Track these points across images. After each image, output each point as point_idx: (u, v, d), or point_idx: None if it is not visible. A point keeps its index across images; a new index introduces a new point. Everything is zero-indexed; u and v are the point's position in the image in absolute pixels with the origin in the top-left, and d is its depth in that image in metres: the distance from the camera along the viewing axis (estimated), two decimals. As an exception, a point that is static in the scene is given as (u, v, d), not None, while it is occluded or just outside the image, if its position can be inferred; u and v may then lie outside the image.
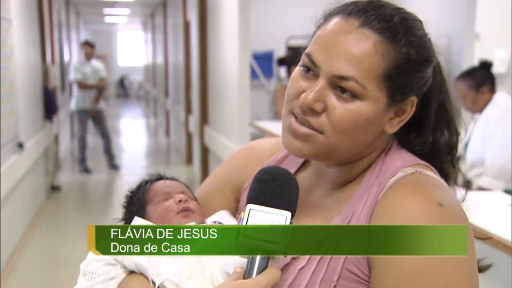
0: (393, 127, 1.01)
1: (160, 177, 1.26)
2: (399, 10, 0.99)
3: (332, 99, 0.96)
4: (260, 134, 5.80)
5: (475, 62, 6.08)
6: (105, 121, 8.94)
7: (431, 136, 1.05)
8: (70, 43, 12.18)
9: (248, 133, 5.43)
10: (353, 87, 0.94)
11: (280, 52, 7.73)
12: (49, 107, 7.14)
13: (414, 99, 1.00)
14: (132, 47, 24.36)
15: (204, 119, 7.32)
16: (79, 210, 6.77)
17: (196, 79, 7.67)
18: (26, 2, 6.21)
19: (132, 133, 14.00)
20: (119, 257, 1.09)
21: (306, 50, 1.00)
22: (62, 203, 7.19)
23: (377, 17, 0.96)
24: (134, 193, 1.24)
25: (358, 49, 0.94)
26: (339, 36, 0.96)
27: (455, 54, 5.72)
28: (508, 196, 3.03)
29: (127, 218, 1.21)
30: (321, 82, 0.96)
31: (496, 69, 7.16)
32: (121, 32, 24.71)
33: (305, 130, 0.98)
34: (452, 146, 1.06)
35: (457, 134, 1.07)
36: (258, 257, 0.89)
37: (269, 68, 7.81)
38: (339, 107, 0.96)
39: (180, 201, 1.17)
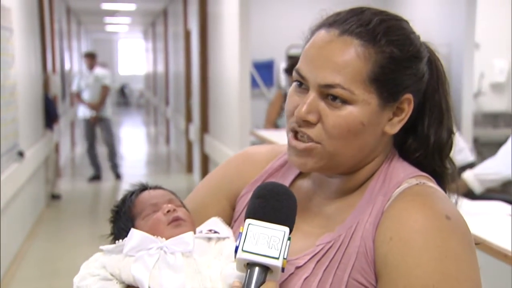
0: (393, 128, 1.01)
1: (144, 187, 1.22)
2: (379, 13, 1.01)
3: (324, 108, 0.98)
4: (260, 142, 5.81)
5: (475, 71, 6.10)
6: (108, 129, 8.85)
7: (426, 136, 1.05)
8: (71, 52, 12.21)
9: (248, 142, 5.43)
10: (340, 94, 0.96)
11: (280, 61, 7.74)
12: (50, 116, 7.15)
13: (409, 96, 1.00)
14: (133, 56, 24.41)
15: (204, 127, 7.33)
16: (79, 218, 6.77)
17: (197, 88, 7.68)
18: (28, 11, 6.23)
19: (133, 141, 14.00)
20: (116, 271, 1.07)
21: (296, 66, 1.03)
22: (62, 212, 7.18)
23: (356, 23, 0.98)
24: (119, 207, 1.20)
25: (340, 56, 0.96)
26: (322, 47, 0.99)
27: (455, 63, 5.73)
28: (508, 206, 3.03)
29: (116, 234, 1.18)
30: (312, 94, 0.99)
31: (495, 78, 7.19)
32: (122, 41, 24.77)
33: (303, 145, 1.00)
34: (446, 146, 1.06)
35: (452, 133, 1.07)
36: (256, 272, 0.89)
37: (269, 77, 7.81)
38: (331, 115, 0.97)
39: (168, 211, 1.13)
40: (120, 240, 1.11)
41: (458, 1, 5.73)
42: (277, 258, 0.89)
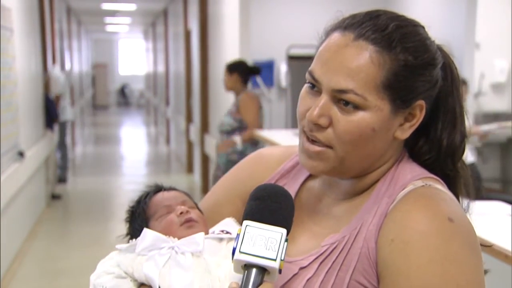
0: (404, 133, 1.01)
1: (159, 189, 1.24)
2: (396, 18, 0.99)
3: (336, 113, 0.97)
4: (260, 143, 5.80)
5: (475, 71, 6.10)
6: (60, 133, 8.23)
7: (438, 140, 1.05)
8: (71, 52, 12.22)
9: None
10: (353, 99, 0.96)
11: (280, 61, 7.74)
12: (50, 116, 7.15)
13: (421, 103, 0.99)
14: (133, 56, 24.42)
15: (204, 127, 7.33)
16: (79, 218, 6.77)
17: (197, 88, 7.69)
18: (28, 11, 6.23)
19: (133, 141, 14.01)
20: (129, 270, 1.09)
21: (309, 68, 1.02)
22: (62, 212, 7.19)
23: (372, 28, 0.97)
24: (134, 208, 1.23)
25: (354, 61, 0.96)
26: (336, 50, 0.98)
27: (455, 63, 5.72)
28: (508, 206, 3.03)
29: (131, 234, 1.20)
30: (324, 98, 0.98)
31: (496, 78, 7.20)
32: (122, 41, 24.78)
33: (316, 148, 1.00)
34: (459, 149, 1.06)
35: (465, 137, 1.07)
36: (253, 273, 0.90)
37: (269, 77, 7.82)
38: (343, 120, 0.97)
39: (181, 213, 1.16)
40: (134, 240, 1.14)
41: (458, 1, 5.73)
42: (274, 260, 0.89)
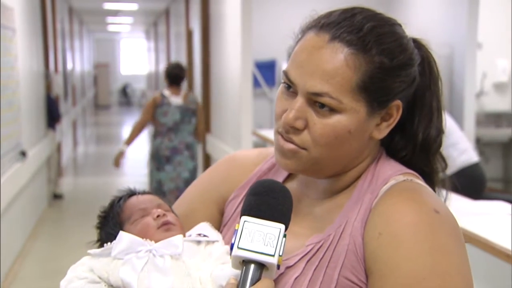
0: (381, 133, 1.01)
1: (132, 193, 1.22)
2: (372, 18, 0.98)
3: (312, 116, 0.97)
4: (262, 142, 5.82)
5: (477, 71, 6.09)
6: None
7: (414, 134, 1.05)
8: (73, 52, 12.23)
9: (250, 142, 5.44)
10: (328, 102, 0.95)
11: (282, 60, 7.74)
12: (52, 116, 7.16)
13: (398, 103, 0.99)
14: (135, 56, 24.44)
15: (206, 127, 7.33)
16: (81, 218, 6.77)
17: (199, 87, 7.69)
18: (30, 11, 6.24)
19: (134, 141, 14.00)
20: (104, 274, 1.06)
21: (284, 68, 1.02)
22: (64, 211, 7.19)
23: (347, 29, 0.96)
24: (107, 213, 1.20)
25: (330, 64, 0.95)
26: (311, 52, 0.97)
27: (457, 63, 5.72)
28: (508, 205, 3.03)
29: (104, 239, 1.17)
30: (299, 100, 0.98)
31: (498, 78, 7.19)
32: (124, 41, 24.80)
33: (290, 146, 1.00)
34: (434, 144, 1.06)
35: (441, 132, 1.07)
36: (251, 269, 0.89)
37: (271, 76, 7.82)
38: (319, 123, 0.97)
39: (158, 216, 1.13)
40: (109, 243, 1.10)
41: (460, 1, 5.73)
42: (273, 255, 0.89)
